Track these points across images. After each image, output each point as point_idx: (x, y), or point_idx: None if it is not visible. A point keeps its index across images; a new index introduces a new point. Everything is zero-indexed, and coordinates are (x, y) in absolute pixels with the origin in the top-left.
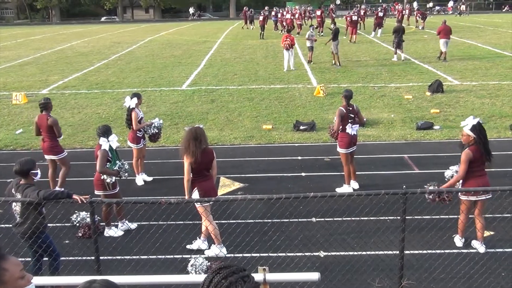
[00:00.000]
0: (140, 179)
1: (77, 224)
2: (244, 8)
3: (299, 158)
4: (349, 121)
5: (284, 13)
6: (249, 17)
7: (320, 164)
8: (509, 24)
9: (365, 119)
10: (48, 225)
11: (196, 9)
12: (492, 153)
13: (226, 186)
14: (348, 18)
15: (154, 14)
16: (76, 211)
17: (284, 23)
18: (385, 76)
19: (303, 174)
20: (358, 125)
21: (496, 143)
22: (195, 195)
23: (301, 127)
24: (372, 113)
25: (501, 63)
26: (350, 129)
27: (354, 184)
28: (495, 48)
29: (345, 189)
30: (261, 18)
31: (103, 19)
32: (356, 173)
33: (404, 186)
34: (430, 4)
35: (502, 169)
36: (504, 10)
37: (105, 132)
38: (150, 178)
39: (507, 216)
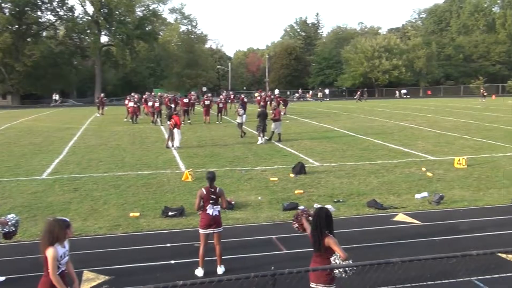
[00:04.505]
0: None
1: None
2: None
3: (168, 245)
4: (211, 202)
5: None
6: (99, 103)
7: (191, 250)
8: (360, 109)
9: (233, 202)
10: None
11: (59, 95)
12: (354, 229)
13: (89, 280)
14: (202, 102)
15: (12, 100)
16: None
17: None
18: (251, 160)
19: (172, 262)
20: (219, 206)
21: (356, 220)
22: None
23: (170, 213)
24: (240, 196)
25: (355, 145)
26: (212, 210)
27: (220, 269)
28: (349, 131)
29: (199, 272)
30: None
31: None
32: (226, 257)
33: (272, 267)
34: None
35: (362, 245)
36: (355, 97)
37: None
38: (3, 278)
39: None
